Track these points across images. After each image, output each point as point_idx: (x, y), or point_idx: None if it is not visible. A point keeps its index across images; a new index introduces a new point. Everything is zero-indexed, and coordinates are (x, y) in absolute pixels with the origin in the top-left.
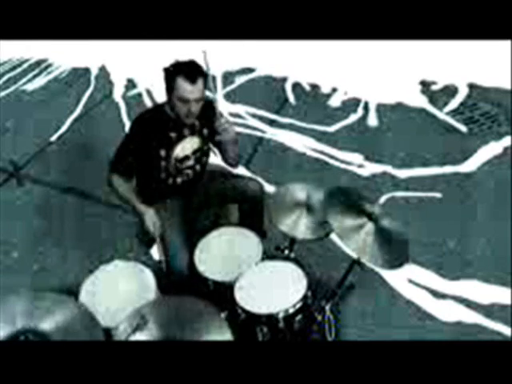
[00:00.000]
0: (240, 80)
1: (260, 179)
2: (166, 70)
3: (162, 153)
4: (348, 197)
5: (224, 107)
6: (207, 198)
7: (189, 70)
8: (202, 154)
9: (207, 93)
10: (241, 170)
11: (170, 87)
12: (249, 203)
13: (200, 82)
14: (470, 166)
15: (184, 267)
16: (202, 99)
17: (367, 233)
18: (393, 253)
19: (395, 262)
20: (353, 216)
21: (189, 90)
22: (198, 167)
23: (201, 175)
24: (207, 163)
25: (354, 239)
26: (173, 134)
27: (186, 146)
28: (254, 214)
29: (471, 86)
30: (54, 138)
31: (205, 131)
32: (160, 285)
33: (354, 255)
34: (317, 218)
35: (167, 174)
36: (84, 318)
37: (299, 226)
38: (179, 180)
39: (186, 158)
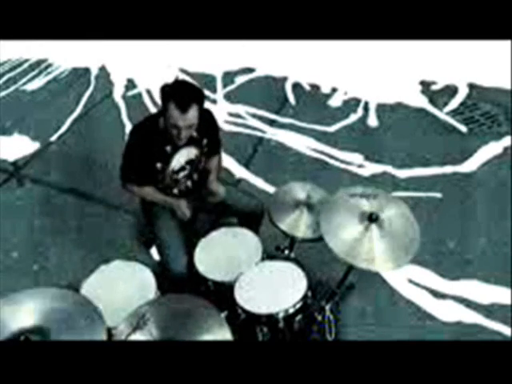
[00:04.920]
0: (240, 80)
1: (260, 179)
2: (162, 90)
3: (158, 165)
4: (342, 207)
5: (224, 107)
6: (208, 205)
7: (181, 99)
8: (199, 161)
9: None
10: (241, 171)
11: (164, 108)
12: (248, 219)
13: (192, 110)
14: (470, 165)
15: (183, 267)
16: (194, 125)
17: (373, 237)
18: (403, 247)
19: (406, 258)
20: (352, 225)
21: (179, 118)
22: (195, 176)
23: (200, 182)
24: (206, 171)
25: (360, 253)
26: (168, 148)
27: (182, 157)
28: (250, 228)
29: (471, 86)
30: (54, 137)
31: (204, 141)
32: (160, 285)
33: (372, 269)
34: (317, 217)
35: (164, 185)
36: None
37: (299, 225)
38: (175, 191)
39: (182, 168)
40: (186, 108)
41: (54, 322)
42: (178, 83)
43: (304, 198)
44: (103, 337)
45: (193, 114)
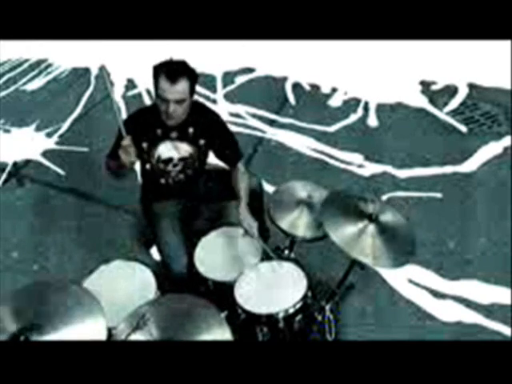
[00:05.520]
0: (240, 80)
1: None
2: (154, 68)
3: (144, 145)
4: (343, 203)
5: (224, 107)
6: (206, 195)
7: (170, 70)
8: (194, 161)
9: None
10: None
11: (156, 84)
12: (249, 199)
13: (182, 84)
14: (470, 165)
15: (183, 267)
16: (183, 101)
17: (372, 235)
18: (399, 248)
19: (402, 258)
20: (352, 221)
21: (167, 89)
22: (189, 172)
23: (195, 178)
24: (202, 168)
25: (359, 246)
26: (158, 131)
27: (172, 150)
28: (253, 210)
29: (471, 86)
30: (54, 138)
31: (201, 141)
32: (160, 285)
33: (369, 263)
34: (317, 216)
35: (154, 171)
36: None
37: (299, 224)
38: (170, 181)
39: (170, 160)
40: (175, 78)
41: (52, 318)
42: (170, 60)
43: (305, 198)
44: (103, 333)
45: (182, 86)
